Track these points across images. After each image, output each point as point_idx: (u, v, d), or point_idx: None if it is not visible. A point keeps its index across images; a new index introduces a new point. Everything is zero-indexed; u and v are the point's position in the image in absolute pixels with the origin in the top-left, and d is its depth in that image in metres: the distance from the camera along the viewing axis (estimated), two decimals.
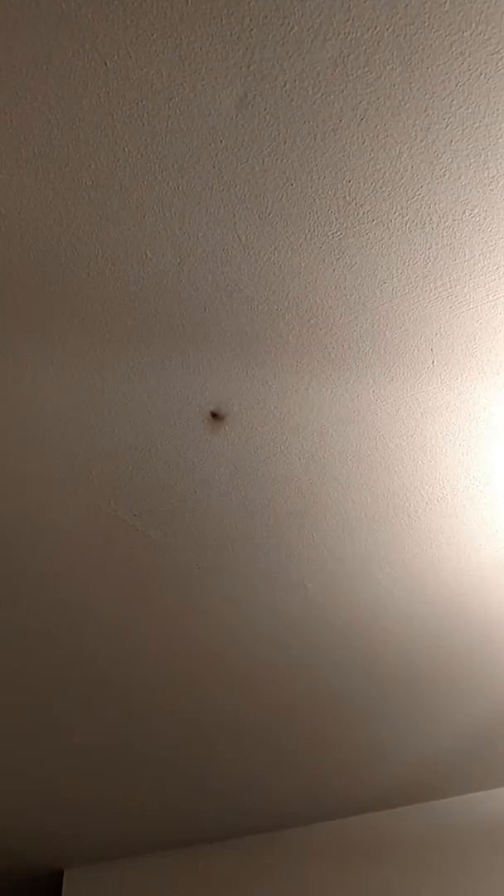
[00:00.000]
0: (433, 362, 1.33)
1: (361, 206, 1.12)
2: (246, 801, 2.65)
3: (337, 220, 1.14)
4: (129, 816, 2.66)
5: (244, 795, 2.62)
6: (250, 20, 0.94)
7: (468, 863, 2.63)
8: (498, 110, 1.04)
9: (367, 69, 1.00)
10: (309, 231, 1.15)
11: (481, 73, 1.00)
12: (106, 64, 0.97)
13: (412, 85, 1.01)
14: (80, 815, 2.63)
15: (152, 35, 0.95)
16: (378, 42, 0.97)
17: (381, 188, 1.10)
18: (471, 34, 0.97)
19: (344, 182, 1.10)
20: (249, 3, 0.93)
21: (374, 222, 1.14)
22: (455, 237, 1.16)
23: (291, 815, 2.79)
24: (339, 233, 1.15)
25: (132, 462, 1.47)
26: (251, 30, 0.95)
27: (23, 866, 2.93)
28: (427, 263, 1.19)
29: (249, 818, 2.76)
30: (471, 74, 1.00)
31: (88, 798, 2.53)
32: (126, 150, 1.05)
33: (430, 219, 1.14)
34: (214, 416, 1.35)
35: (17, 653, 1.89)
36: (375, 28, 0.96)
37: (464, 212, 1.13)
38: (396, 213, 1.13)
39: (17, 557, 1.63)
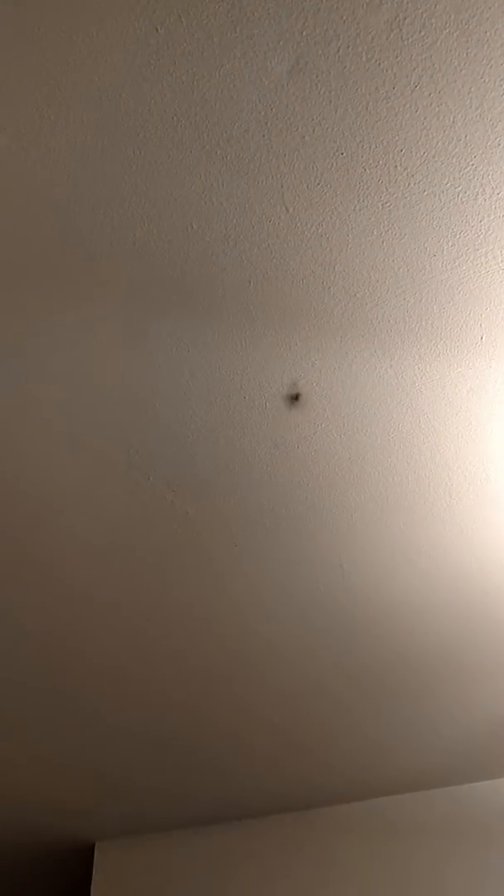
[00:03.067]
0: (482, 338, 1.30)
1: (413, 176, 1.10)
2: (275, 780, 2.67)
3: (387, 190, 1.11)
4: (160, 792, 2.68)
5: (274, 774, 2.63)
6: None
7: (478, 850, 2.63)
8: None
9: (422, 34, 0.97)
10: (358, 202, 1.13)
11: None
12: (157, 30, 0.96)
13: (469, 50, 0.99)
14: (111, 790, 2.66)
15: (204, 0, 0.94)
16: (435, 5, 0.95)
17: (433, 158, 1.08)
18: None
19: (395, 151, 1.08)
20: None
21: (426, 193, 1.12)
22: None
23: (316, 797, 2.80)
24: (388, 204, 1.13)
25: (173, 438, 1.46)
26: None
27: (54, 839, 2.97)
28: (479, 236, 1.17)
29: (278, 797, 2.77)
30: None
31: (120, 773, 2.56)
32: (175, 118, 1.04)
33: (483, 190, 1.12)
34: (294, 398, 1.34)
35: (47, 627, 1.90)
36: None
37: None
38: (448, 184, 1.11)
39: (53, 529, 1.63)
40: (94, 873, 2.86)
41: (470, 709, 2.33)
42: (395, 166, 1.09)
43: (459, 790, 2.78)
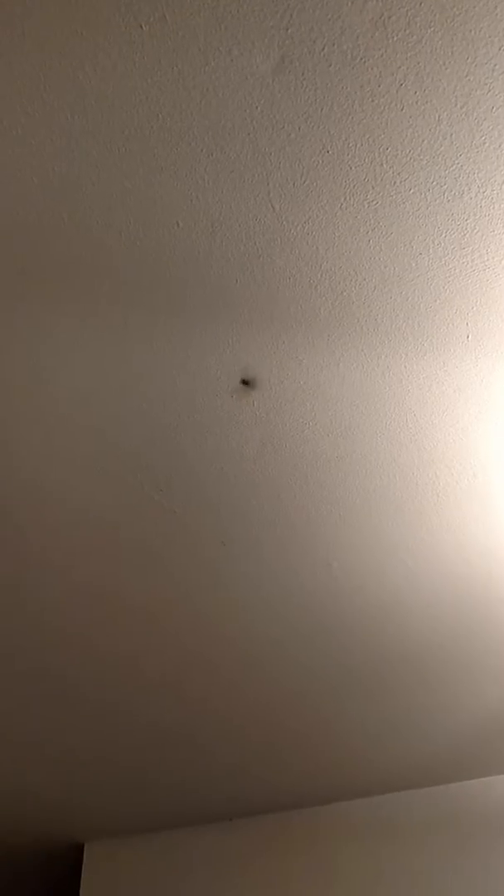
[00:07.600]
0: (468, 337, 1.31)
1: (399, 174, 1.10)
2: (265, 779, 2.67)
3: (373, 189, 1.11)
4: (150, 791, 2.68)
5: (263, 774, 2.63)
6: None
7: (476, 847, 2.63)
8: None
9: (408, 32, 0.97)
10: (344, 200, 1.13)
11: None
12: (142, 27, 0.96)
13: (454, 49, 0.99)
14: (101, 789, 2.65)
15: None
16: (420, 3, 0.95)
17: (419, 156, 1.08)
18: None
19: (381, 150, 1.07)
20: None
21: (412, 192, 1.12)
22: (494, 208, 1.14)
23: (309, 795, 2.80)
24: (374, 202, 1.13)
25: (159, 436, 1.46)
26: None
27: (44, 839, 2.97)
28: (465, 235, 1.17)
29: (268, 796, 2.77)
30: None
31: (110, 772, 2.56)
32: (160, 116, 1.03)
33: (469, 188, 1.12)
34: (245, 382, 1.33)
35: (34, 627, 1.90)
36: None
37: None
38: (434, 183, 1.11)
39: (38, 529, 1.63)
40: (83, 875, 2.85)
41: (465, 705, 2.34)
42: (381, 164, 1.09)
43: (458, 787, 2.77)
